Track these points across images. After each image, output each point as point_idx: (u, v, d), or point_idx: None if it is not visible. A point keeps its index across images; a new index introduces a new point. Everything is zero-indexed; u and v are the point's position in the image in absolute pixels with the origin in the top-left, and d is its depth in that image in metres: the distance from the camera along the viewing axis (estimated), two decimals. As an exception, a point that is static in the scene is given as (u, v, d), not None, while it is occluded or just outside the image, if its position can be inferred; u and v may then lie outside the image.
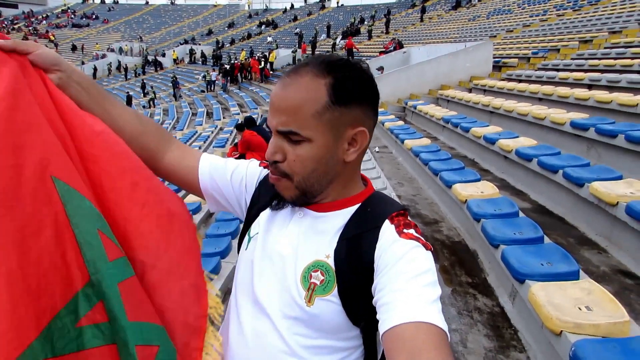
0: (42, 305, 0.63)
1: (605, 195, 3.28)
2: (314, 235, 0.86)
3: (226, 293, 3.79)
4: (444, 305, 2.91)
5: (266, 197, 0.97)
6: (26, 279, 0.61)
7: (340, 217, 0.86)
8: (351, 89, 0.80)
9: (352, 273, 0.81)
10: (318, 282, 0.81)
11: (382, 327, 0.70)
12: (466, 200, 3.83)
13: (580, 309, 2.13)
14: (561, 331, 2.00)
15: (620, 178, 3.58)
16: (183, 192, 4.19)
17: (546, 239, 2.97)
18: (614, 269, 3.04)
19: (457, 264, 3.51)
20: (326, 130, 0.80)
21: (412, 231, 0.81)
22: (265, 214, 0.95)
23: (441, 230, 4.18)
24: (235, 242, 4.39)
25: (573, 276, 2.44)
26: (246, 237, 0.98)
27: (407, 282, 0.73)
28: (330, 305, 0.81)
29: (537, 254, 2.72)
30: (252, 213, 0.99)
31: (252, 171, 1.02)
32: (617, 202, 3.16)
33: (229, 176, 1.01)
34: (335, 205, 0.87)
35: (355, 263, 0.81)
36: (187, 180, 1.01)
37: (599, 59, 8.63)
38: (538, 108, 6.47)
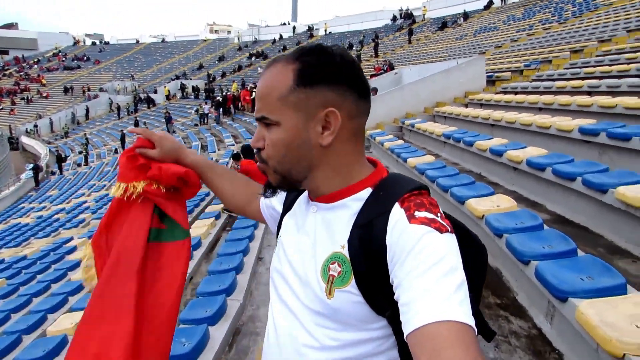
0: None
1: (634, 200, 3.08)
2: (328, 227, 0.85)
3: (234, 334, 3.50)
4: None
5: (286, 204, 1.04)
6: None
7: (350, 204, 0.84)
8: (317, 70, 0.81)
9: (367, 262, 0.78)
10: (336, 274, 0.80)
11: (404, 330, 0.68)
12: (483, 215, 3.62)
13: (637, 326, 1.89)
14: (624, 354, 1.75)
15: (644, 181, 3.39)
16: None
17: (579, 252, 2.74)
18: (654, 278, 2.81)
19: (481, 284, 3.26)
20: (292, 113, 0.81)
21: (424, 213, 0.75)
22: (287, 219, 1.00)
23: (458, 249, 3.94)
24: (239, 277, 4.13)
25: (620, 290, 2.21)
26: None
27: (420, 277, 0.69)
28: (349, 296, 0.79)
29: (573, 268, 2.48)
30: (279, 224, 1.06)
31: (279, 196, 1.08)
32: (648, 206, 2.95)
33: (274, 207, 1.14)
34: (342, 193, 0.85)
35: (369, 252, 0.78)
36: (260, 219, 1.21)
37: (594, 66, 8.60)
38: (541, 117, 6.34)
